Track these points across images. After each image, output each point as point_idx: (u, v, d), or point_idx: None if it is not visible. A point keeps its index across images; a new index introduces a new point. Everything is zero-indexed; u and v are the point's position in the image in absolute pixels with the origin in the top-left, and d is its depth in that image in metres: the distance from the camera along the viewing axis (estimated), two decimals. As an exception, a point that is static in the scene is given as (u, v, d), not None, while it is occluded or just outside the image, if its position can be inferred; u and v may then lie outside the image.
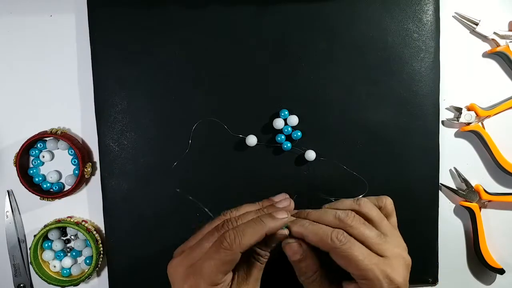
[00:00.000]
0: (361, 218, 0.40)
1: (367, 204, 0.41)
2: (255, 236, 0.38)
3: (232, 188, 0.50)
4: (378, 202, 0.42)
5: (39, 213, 0.52)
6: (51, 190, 0.51)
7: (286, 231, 0.40)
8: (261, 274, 0.41)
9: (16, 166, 0.49)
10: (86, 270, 0.51)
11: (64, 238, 0.53)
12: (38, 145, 0.51)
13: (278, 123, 0.49)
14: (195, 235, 0.41)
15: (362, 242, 0.38)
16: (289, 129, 0.49)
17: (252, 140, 0.49)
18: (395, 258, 0.39)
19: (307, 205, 0.51)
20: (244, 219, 0.39)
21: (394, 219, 0.42)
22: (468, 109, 0.52)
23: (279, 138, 0.49)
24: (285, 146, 0.49)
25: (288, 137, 0.50)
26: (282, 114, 0.49)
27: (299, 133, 0.49)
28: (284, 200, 0.44)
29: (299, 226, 0.40)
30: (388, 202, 0.42)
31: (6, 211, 0.52)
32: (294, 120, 0.49)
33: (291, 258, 0.40)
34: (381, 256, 0.38)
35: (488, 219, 0.53)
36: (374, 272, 0.37)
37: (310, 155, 0.49)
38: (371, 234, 0.39)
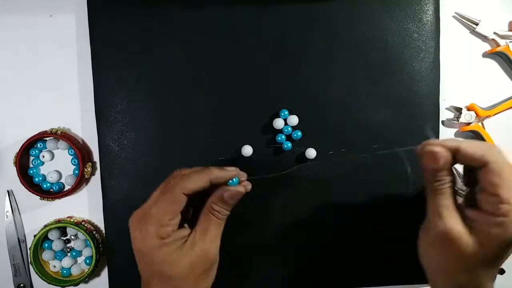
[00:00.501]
0: None
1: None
2: (200, 181, 0.38)
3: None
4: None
5: (39, 213, 0.52)
6: (51, 190, 0.51)
7: (242, 189, 0.40)
8: (221, 232, 0.40)
9: (16, 166, 0.49)
10: (86, 270, 0.51)
11: (64, 238, 0.53)
12: (38, 145, 0.51)
13: (278, 123, 0.49)
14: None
15: None
16: (289, 129, 0.49)
17: (247, 150, 0.49)
18: None
19: (308, 206, 0.51)
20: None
21: None
22: (468, 109, 0.52)
23: (279, 138, 0.49)
24: (285, 146, 0.49)
25: (288, 137, 0.50)
26: (282, 114, 0.49)
27: (299, 133, 0.49)
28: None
29: (453, 140, 0.38)
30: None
31: (6, 211, 0.52)
32: (294, 120, 0.49)
33: (432, 165, 0.38)
34: None
35: (488, 219, 0.53)
36: None
37: (311, 153, 0.49)
38: None
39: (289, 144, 0.49)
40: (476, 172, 0.37)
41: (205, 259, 0.39)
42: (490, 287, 0.37)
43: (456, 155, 0.37)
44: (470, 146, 0.37)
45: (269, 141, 0.50)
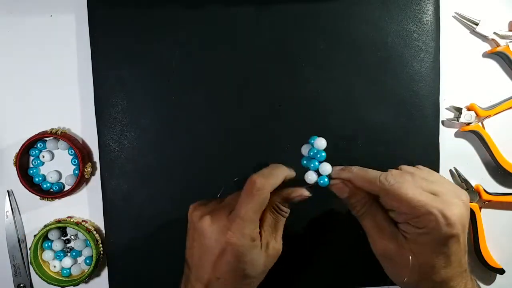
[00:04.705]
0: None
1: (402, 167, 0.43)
2: (280, 176, 0.40)
3: (232, 190, 0.50)
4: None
5: (39, 213, 0.52)
6: (51, 190, 0.51)
7: (307, 193, 0.41)
8: (282, 228, 0.42)
9: (16, 166, 0.49)
10: (86, 270, 0.51)
11: (64, 238, 0.53)
12: (38, 145, 0.51)
13: (304, 151, 0.45)
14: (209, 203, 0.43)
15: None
16: (315, 151, 0.43)
17: (312, 176, 0.43)
18: (449, 195, 0.38)
19: (307, 205, 0.51)
20: None
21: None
22: (468, 109, 0.52)
23: (305, 162, 0.44)
24: (321, 181, 0.42)
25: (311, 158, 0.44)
26: (311, 141, 0.44)
27: (323, 154, 0.43)
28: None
29: (347, 172, 0.42)
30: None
31: (6, 211, 0.52)
32: (322, 143, 0.43)
33: (340, 196, 0.42)
34: (434, 194, 0.38)
35: (488, 219, 0.53)
36: (426, 207, 0.37)
37: (326, 168, 0.43)
38: (418, 179, 0.39)
39: (326, 180, 0.42)
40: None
41: (275, 257, 0.41)
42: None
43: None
44: (358, 176, 0.41)
45: (270, 141, 0.50)
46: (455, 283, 0.39)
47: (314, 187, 0.43)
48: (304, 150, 0.44)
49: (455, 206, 0.38)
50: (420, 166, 0.44)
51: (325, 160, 0.43)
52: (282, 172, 0.41)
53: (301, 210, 0.51)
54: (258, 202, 0.39)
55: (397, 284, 0.42)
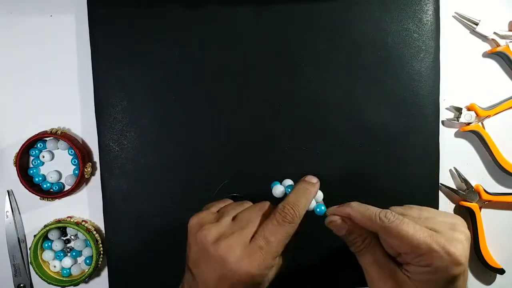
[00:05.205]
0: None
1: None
2: (307, 204, 0.41)
3: (232, 190, 0.50)
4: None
5: (39, 213, 0.52)
6: (51, 190, 0.51)
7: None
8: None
9: (16, 166, 0.49)
10: (86, 270, 0.51)
11: (64, 238, 0.53)
12: (38, 145, 0.51)
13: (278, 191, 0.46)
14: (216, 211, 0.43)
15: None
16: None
17: (279, 190, 0.45)
18: (449, 230, 0.37)
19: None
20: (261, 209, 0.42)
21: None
22: (468, 109, 0.52)
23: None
24: (318, 210, 0.43)
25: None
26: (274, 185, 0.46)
27: (323, 207, 0.43)
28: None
29: (346, 207, 0.41)
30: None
31: (6, 211, 0.52)
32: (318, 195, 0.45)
33: (338, 234, 0.41)
34: (434, 231, 0.37)
35: (488, 219, 0.53)
36: (428, 244, 0.36)
37: (278, 190, 0.45)
38: (417, 216, 0.39)
39: (323, 208, 0.43)
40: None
41: (279, 270, 0.41)
42: None
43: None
44: (357, 212, 0.40)
45: (270, 141, 0.50)
46: None
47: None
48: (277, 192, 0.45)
49: (457, 241, 0.37)
50: (409, 206, 0.42)
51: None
52: (310, 194, 0.42)
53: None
54: (288, 233, 0.39)
55: None
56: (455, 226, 0.38)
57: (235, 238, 0.38)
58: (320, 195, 0.45)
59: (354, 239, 0.41)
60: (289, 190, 0.44)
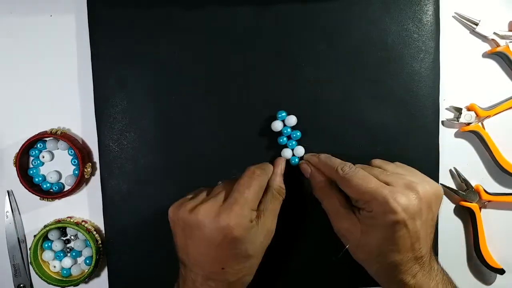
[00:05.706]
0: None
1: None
2: (271, 168, 0.46)
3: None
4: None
5: (39, 213, 0.52)
6: (51, 190, 0.51)
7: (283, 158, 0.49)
8: (279, 208, 0.45)
9: (16, 166, 0.49)
10: (86, 270, 0.51)
11: (64, 238, 0.53)
12: (38, 145, 0.51)
13: (277, 125, 0.49)
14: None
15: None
16: (289, 130, 0.49)
17: (278, 125, 0.49)
18: (403, 186, 0.41)
19: (306, 205, 0.51)
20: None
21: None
22: (468, 109, 0.52)
23: (281, 140, 0.49)
24: (292, 161, 0.50)
25: (288, 137, 0.50)
26: (280, 115, 0.49)
27: (298, 133, 0.49)
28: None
29: (315, 157, 0.48)
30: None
31: (6, 211, 0.52)
32: (292, 120, 0.49)
33: (305, 175, 0.48)
34: (387, 184, 0.41)
35: (488, 219, 0.53)
36: (372, 193, 0.40)
37: (299, 151, 0.50)
38: (377, 171, 0.44)
39: (297, 160, 0.50)
40: None
41: (270, 236, 0.43)
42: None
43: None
44: (322, 163, 0.46)
45: (270, 142, 0.50)
46: (404, 268, 0.41)
47: None
48: (276, 126, 0.49)
49: (403, 196, 0.40)
50: (394, 163, 0.47)
51: (300, 139, 0.50)
52: (271, 167, 0.47)
53: (301, 210, 0.51)
54: (258, 185, 0.42)
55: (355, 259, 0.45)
56: (413, 185, 0.41)
57: (210, 202, 0.41)
58: (302, 150, 0.49)
59: (314, 184, 0.47)
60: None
